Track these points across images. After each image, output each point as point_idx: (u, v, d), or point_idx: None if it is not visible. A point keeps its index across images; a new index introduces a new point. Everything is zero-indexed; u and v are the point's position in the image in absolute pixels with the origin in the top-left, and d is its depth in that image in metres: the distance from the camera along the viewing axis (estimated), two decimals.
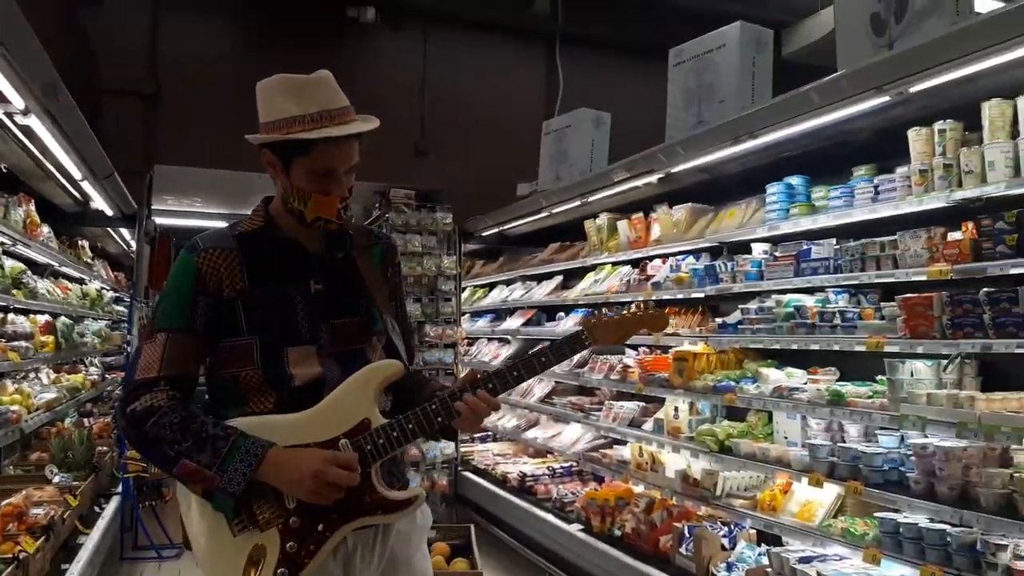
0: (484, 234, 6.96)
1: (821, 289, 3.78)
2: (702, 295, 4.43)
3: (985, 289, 2.81)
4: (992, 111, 2.89)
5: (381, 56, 7.06)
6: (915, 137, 3.18)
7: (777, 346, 3.85)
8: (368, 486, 1.84)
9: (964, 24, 2.71)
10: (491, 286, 7.68)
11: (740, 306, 4.18)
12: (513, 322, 6.83)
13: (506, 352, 7.03)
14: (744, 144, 3.68)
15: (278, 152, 1.85)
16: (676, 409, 4.58)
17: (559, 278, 6.43)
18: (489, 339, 7.58)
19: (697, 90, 4.19)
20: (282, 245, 1.93)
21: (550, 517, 4.92)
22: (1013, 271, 2.74)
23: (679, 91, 4.31)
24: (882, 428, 3.34)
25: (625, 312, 2.02)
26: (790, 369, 3.99)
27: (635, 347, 5.28)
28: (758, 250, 4.21)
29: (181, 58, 7.24)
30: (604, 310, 1.99)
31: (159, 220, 6.75)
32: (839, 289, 3.71)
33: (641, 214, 5.10)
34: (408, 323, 2.19)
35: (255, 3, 7.26)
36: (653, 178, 4.46)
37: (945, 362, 3.12)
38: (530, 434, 6.38)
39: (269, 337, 1.85)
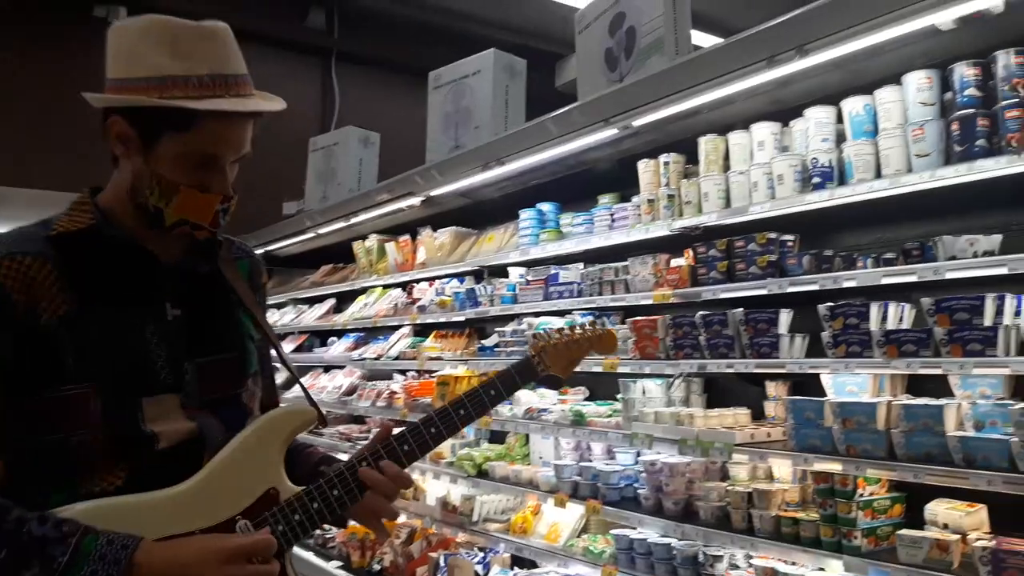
0: None
1: (570, 312, 3.89)
2: (463, 318, 4.43)
3: (701, 312, 2.99)
4: (707, 146, 3.09)
5: None
6: (644, 169, 3.35)
7: None
8: None
9: (680, 61, 2.88)
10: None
11: (497, 329, 4.21)
12: (283, 348, 6.49)
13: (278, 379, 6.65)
14: (494, 170, 3.72)
15: (138, 123, 1.33)
16: None
17: (331, 301, 6.20)
18: None
19: (455, 115, 4.19)
20: (121, 252, 1.39)
21: (310, 556, 4.67)
22: (723, 295, 2.93)
23: (438, 115, 4.30)
24: (620, 447, 3.46)
25: (570, 332, 1.75)
26: (542, 390, 4.07)
27: (403, 372, 5.18)
28: (515, 274, 4.28)
29: None
30: (548, 330, 1.74)
31: None
32: (584, 312, 3.83)
33: (408, 236, 5.03)
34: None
35: None
36: (415, 200, 4.41)
37: (670, 381, 3.29)
38: None
39: (113, 383, 1.32)
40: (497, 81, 3.99)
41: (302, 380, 1.52)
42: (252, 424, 1.43)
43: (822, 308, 2.56)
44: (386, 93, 7.31)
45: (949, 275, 2.26)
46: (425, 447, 1.50)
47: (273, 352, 1.63)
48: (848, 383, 2.74)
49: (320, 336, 6.42)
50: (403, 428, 1.48)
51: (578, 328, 1.77)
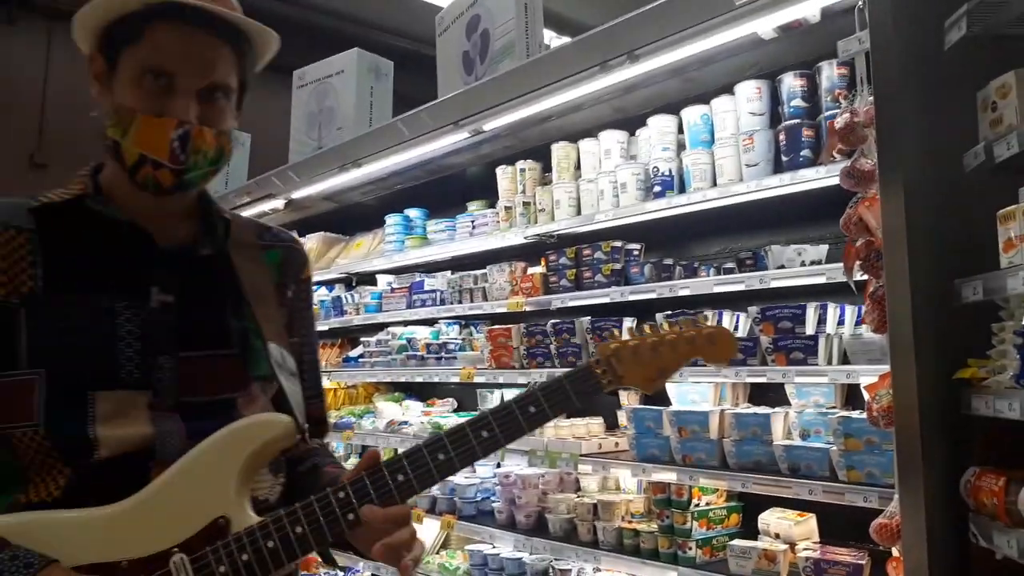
0: None
1: (435, 321, 3.79)
2: (326, 327, 4.27)
3: (552, 320, 2.94)
4: (559, 153, 3.05)
5: None
6: (502, 175, 3.29)
7: (389, 379, 3.80)
8: None
9: (522, 64, 2.81)
10: None
11: (363, 339, 4.08)
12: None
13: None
14: (352, 172, 3.58)
15: (105, 48, 1.20)
16: None
17: None
18: None
19: (318, 115, 4.03)
20: (111, 229, 1.21)
21: None
22: (572, 303, 2.89)
23: (302, 115, 4.13)
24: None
25: (663, 331, 1.25)
26: (408, 402, 3.95)
27: None
28: (383, 282, 4.15)
29: None
30: (630, 329, 1.30)
31: None
32: (450, 320, 3.74)
33: None
34: (318, 372, 1.44)
35: None
36: (277, 203, 4.22)
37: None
38: None
39: (63, 372, 1.14)
40: (361, 81, 3.85)
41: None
42: (211, 436, 1.17)
43: (659, 317, 2.54)
44: (268, 93, 7.06)
45: (775, 284, 2.26)
46: (427, 479, 1.16)
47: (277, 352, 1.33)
48: (691, 392, 2.73)
49: None
50: (403, 452, 1.19)
51: (676, 326, 1.26)
